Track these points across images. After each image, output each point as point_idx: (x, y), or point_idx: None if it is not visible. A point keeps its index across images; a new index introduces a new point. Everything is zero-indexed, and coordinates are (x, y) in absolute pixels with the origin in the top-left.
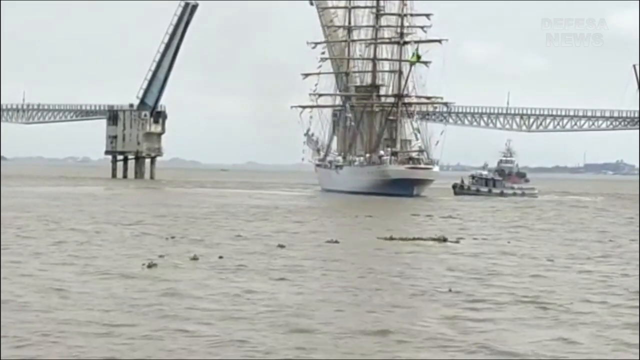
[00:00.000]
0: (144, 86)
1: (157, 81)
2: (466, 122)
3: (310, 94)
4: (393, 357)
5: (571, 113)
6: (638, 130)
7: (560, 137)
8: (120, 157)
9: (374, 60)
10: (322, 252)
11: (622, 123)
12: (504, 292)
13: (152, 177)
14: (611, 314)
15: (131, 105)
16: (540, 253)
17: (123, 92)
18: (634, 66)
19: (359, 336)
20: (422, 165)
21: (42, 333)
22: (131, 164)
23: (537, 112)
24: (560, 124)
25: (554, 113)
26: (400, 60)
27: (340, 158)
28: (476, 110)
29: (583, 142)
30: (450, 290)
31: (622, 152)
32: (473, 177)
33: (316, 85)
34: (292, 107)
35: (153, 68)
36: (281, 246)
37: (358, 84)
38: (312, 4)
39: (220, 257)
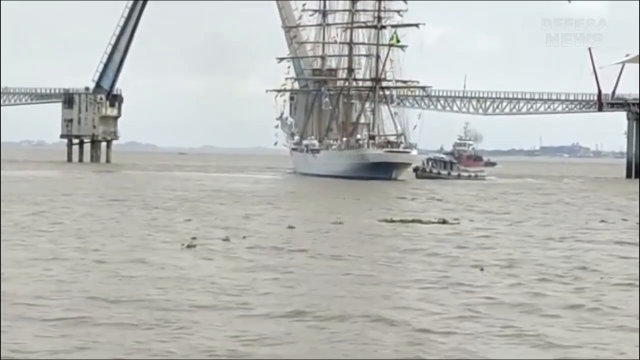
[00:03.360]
0: (100, 69)
1: (113, 64)
2: (423, 105)
3: (286, 78)
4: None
5: (527, 96)
6: (593, 113)
7: (516, 120)
8: (76, 140)
9: (350, 44)
10: (344, 233)
11: (578, 106)
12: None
13: (108, 161)
14: None
15: (87, 89)
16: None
17: (78, 75)
18: (589, 49)
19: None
20: (401, 149)
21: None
22: (87, 147)
23: (494, 96)
24: (517, 107)
25: (510, 96)
26: (377, 45)
27: (316, 142)
28: (433, 93)
29: (539, 125)
30: (482, 269)
31: (577, 135)
32: (429, 160)
33: (289, 68)
34: (267, 91)
35: (109, 51)
36: (291, 227)
37: (314, 67)
38: None
39: (244, 237)
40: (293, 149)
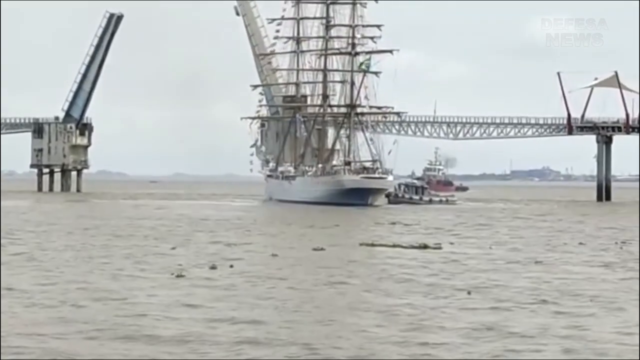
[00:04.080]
0: (69, 98)
1: (83, 93)
2: (394, 130)
3: (261, 105)
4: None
5: (497, 121)
6: (563, 137)
7: (487, 144)
8: (46, 170)
9: (325, 70)
10: (332, 258)
11: (548, 130)
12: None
13: (78, 190)
14: None
15: (56, 118)
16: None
17: (48, 104)
18: (558, 74)
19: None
20: (377, 175)
21: None
22: (57, 177)
23: (464, 120)
24: (487, 131)
25: (481, 121)
26: (352, 71)
27: (291, 169)
28: (404, 119)
29: (510, 150)
30: (469, 293)
31: (548, 159)
32: (401, 185)
33: (262, 95)
34: (242, 118)
35: (78, 80)
36: (274, 255)
37: (285, 94)
38: (237, 14)
39: (231, 266)
40: (269, 176)
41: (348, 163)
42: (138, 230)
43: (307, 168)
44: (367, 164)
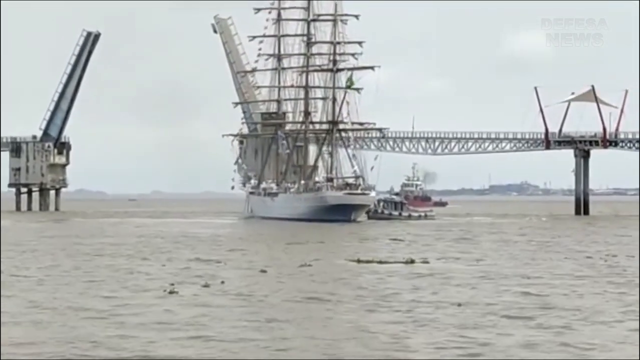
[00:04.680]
0: (47, 117)
1: (60, 112)
2: (372, 146)
3: (243, 122)
4: None
5: (475, 135)
6: (541, 152)
7: (465, 159)
8: (24, 189)
9: (306, 87)
10: (326, 274)
11: (526, 144)
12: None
13: (57, 209)
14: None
15: (34, 137)
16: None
17: (25, 123)
18: (535, 88)
19: None
20: (360, 191)
21: None
22: (35, 196)
23: (442, 136)
24: (465, 146)
25: (459, 136)
26: (333, 88)
27: (274, 185)
28: (379, 135)
29: (488, 164)
30: (459, 305)
31: (526, 173)
32: (380, 201)
33: (244, 112)
34: (223, 135)
35: (56, 99)
36: (263, 271)
37: (263, 110)
38: (215, 32)
39: (222, 282)
40: (251, 193)
41: (330, 179)
42: (121, 249)
43: (289, 185)
44: (350, 180)
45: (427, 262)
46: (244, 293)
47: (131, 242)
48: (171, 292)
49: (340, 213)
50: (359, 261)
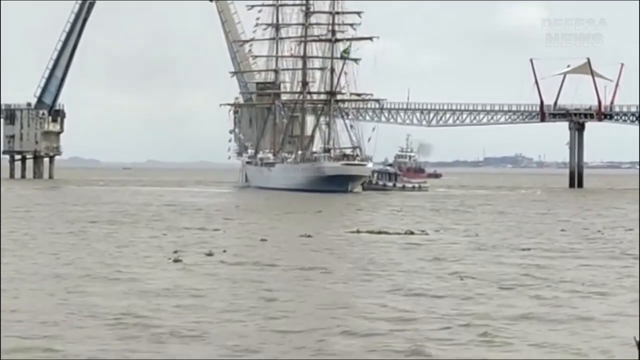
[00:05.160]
0: (42, 84)
1: (55, 79)
2: (367, 117)
3: (241, 92)
4: None
5: (470, 107)
6: (536, 124)
7: (460, 131)
8: (18, 156)
9: (304, 57)
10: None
11: (521, 117)
12: None
13: (51, 177)
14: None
15: (29, 104)
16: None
17: (20, 90)
18: (531, 61)
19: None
20: (357, 162)
21: None
22: (29, 163)
23: (437, 107)
24: (460, 118)
25: (454, 108)
26: (332, 58)
27: (270, 155)
28: (376, 106)
29: (483, 137)
30: (461, 279)
31: (520, 146)
32: (374, 172)
33: (240, 82)
34: (221, 105)
35: (50, 66)
36: (263, 240)
37: (259, 80)
38: (211, 0)
39: (224, 251)
40: (247, 163)
41: (328, 150)
42: (118, 217)
43: (286, 155)
44: (347, 151)
45: (426, 234)
46: (247, 262)
47: (130, 210)
48: (176, 261)
49: (337, 184)
50: (358, 232)
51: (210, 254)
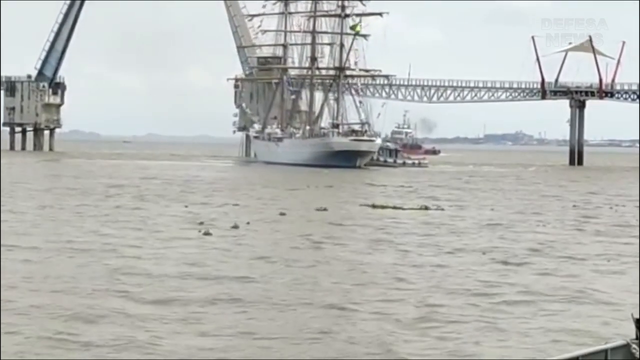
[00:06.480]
0: (42, 57)
1: (55, 52)
2: (368, 93)
3: (250, 67)
4: None
5: (471, 84)
6: (537, 101)
7: (460, 108)
8: (18, 129)
9: (313, 32)
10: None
11: (522, 94)
12: None
13: (51, 149)
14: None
15: (29, 77)
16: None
17: (20, 63)
18: (533, 38)
19: None
20: (365, 138)
21: None
22: (30, 135)
23: (438, 84)
24: (461, 95)
25: (455, 84)
26: (341, 34)
27: (278, 130)
28: (378, 82)
29: (483, 113)
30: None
31: (521, 123)
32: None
33: (241, 57)
34: (228, 79)
35: (51, 39)
36: (282, 214)
37: (259, 55)
38: None
39: (248, 223)
40: (255, 137)
41: (336, 125)
42: (131, 191)
43: (294, 130)
44: (356, 127)
45: (441, 209)
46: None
47: (142, 185)
48: (206, 234)
49: (345, 159)
50: (374, 206)
51: (236, 227)
